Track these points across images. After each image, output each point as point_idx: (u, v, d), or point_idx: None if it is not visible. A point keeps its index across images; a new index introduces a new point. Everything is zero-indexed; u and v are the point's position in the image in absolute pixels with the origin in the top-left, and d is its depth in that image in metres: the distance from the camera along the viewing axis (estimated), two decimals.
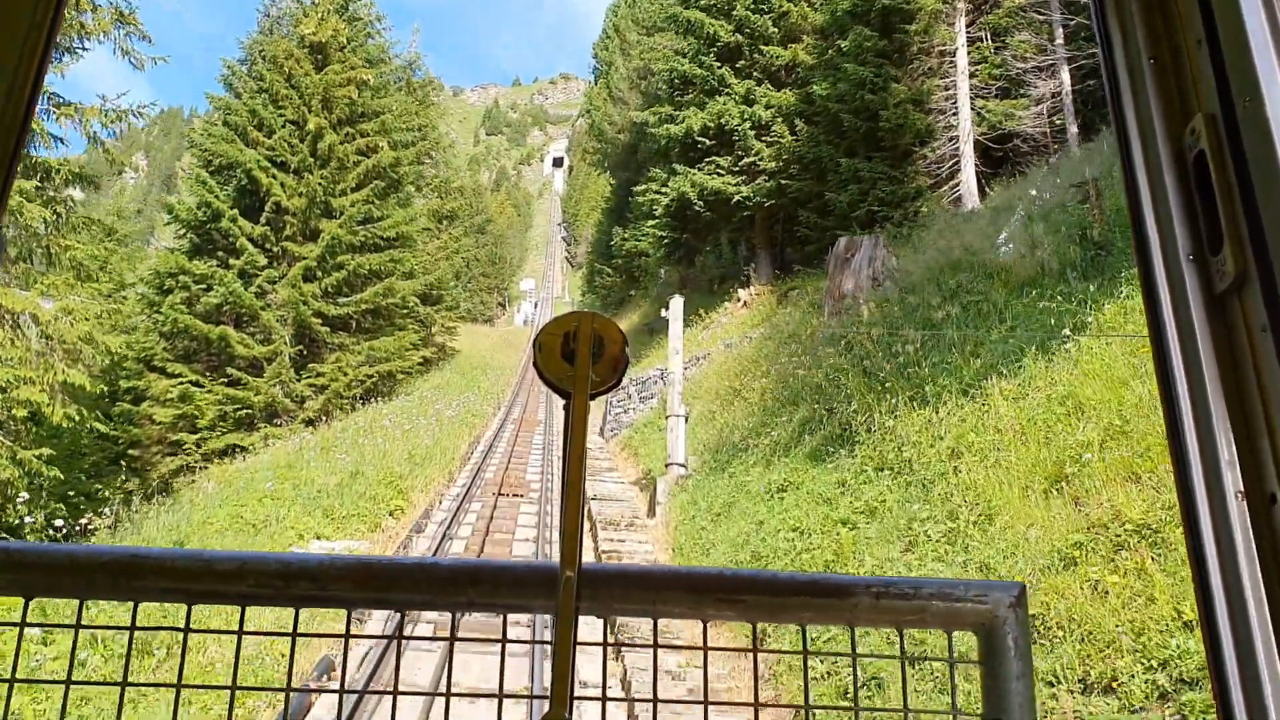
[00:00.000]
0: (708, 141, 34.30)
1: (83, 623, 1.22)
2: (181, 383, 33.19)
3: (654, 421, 24.19)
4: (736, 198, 33.14)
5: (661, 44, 52.50)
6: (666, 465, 17.47)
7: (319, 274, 35.96)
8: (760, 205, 33.40)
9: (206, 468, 31.31)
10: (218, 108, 36.36)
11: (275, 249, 35.89)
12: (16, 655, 1.46)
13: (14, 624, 1.22)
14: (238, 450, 32.59)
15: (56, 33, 1.20)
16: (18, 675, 1.21)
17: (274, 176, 35.56)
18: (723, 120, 33.59)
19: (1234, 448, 0.94)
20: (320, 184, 35.79)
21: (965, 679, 1.28)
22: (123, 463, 33.87)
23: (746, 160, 33.29)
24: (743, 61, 34.72)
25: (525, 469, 22.60)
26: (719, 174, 33.82)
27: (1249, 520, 0.92)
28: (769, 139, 33.11)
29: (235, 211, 34.74)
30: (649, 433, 23.63)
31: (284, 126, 36.40)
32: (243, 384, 33.72)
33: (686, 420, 17.79)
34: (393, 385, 39.07)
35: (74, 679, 1.20)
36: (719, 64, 34.65)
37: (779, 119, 33.00)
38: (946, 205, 27.26)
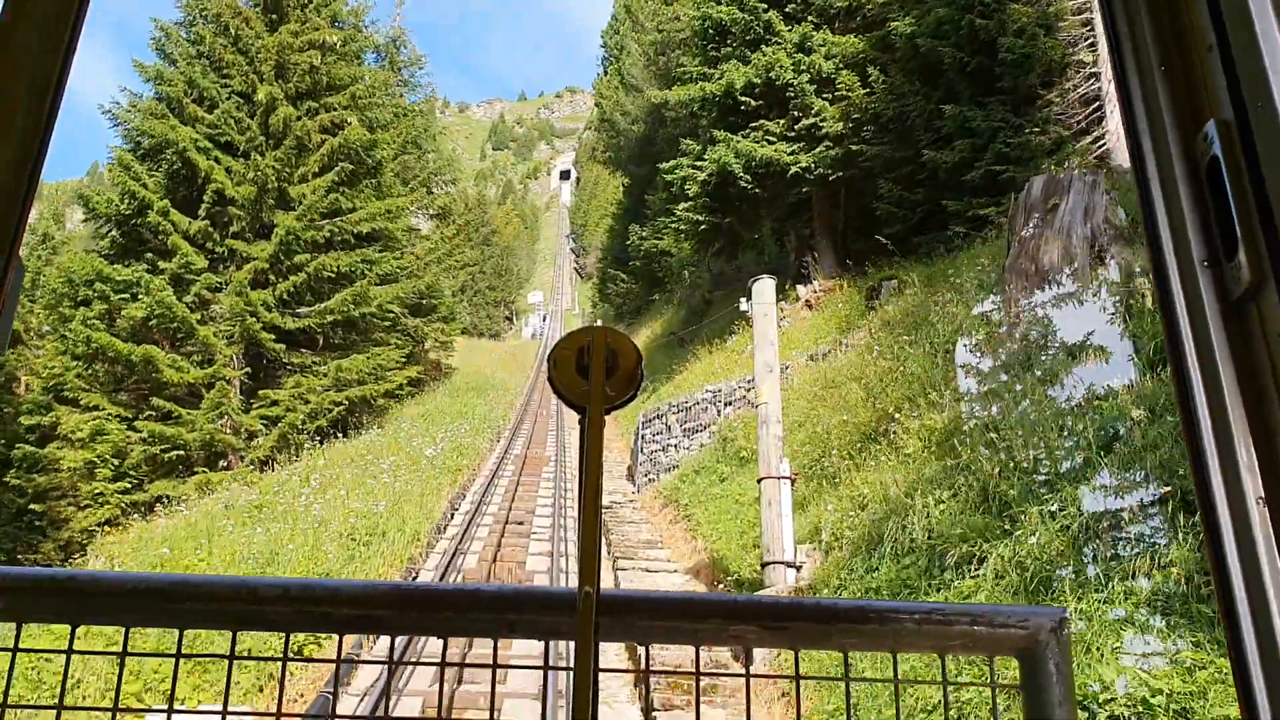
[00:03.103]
0: (753, 102, 27.22)
1: (129, 650, 1.27)
2: (97, 418, 26.17)
3: (711, 467, 17.04)
4: (794, 169, 26.04)
5: (683, 10, 45.72)
6: (764, 563, 10.34)
7: (272, 278, 28.91)
8: (824, 178, 26.30)
9: (127, 526, 24.46)
10: (147, 78, 29.37)
11: (219, 249, 28.89)
12: (64, 684, 1.37)
13: (62, 651, 1.26)
14: (168, 502, 25.67)
15: (77, 42, 1.16)
16: (65, 701, 1.23)
17: (215, 159, 28.58)
18: (773, 75, 26.51)
19: (1253, 453, 0.93)
20: (273, 168, 28.76)
21: (1005, 702, 1.63)
22: (25, 520, 26.89)
23: (805, 122, 26.22)
24: (793, 4, 27.67)
25: (527, 549, 15.33)
26: (769, 141, 26.72)
27: (1271, 526, 0.90)
28: (833, 95, 26.07)
29: (167, 203, 27.76)
30: (706, 484, 16.48)
31: (229, 99, 29.43)
32: (174, 418, 26.70)
33: (793, 482, 10.62)
34: (370, 412, 32.03)
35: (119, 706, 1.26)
36: (764, 6, 27.58)
37: (845, 69, 25.94)
38: (1089, 162, 20.21)
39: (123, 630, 1.24)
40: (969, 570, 7.47)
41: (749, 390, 18.90)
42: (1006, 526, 7.39)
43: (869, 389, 12.69)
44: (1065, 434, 7.85)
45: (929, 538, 8.40)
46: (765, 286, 11.24)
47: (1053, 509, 7.11)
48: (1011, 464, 8.03)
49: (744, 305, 11.40)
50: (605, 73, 68.98)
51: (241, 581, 1.22)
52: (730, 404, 19.11)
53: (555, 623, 1.24)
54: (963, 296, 12.86)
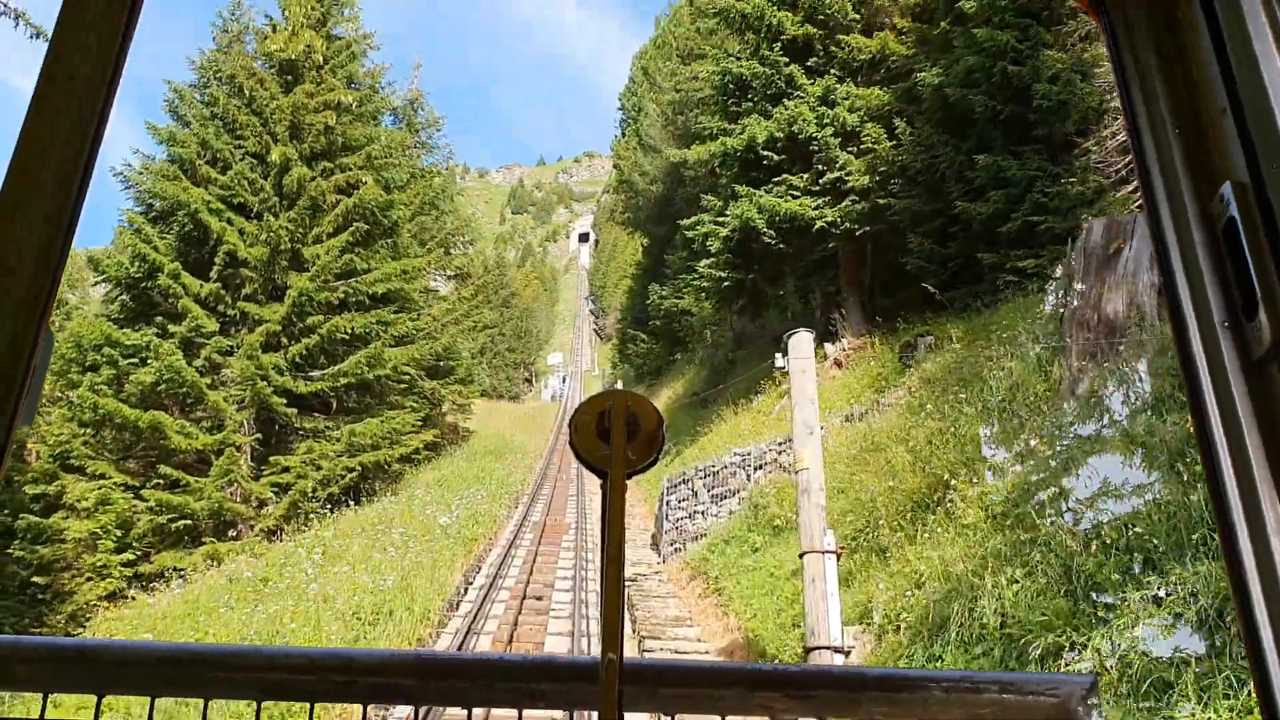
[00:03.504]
0: (775, 156, 26.53)
1: None
2: (102, 486, 25.34)
3: (742, 536, 15.95)
4: (819, 224, 25.24)
5: (702, 70, 45.43)
6: (807, 648, 9.26)
7: (284, 340, 28.20)
8: (850, 233, 25.47)
9: (130, 600, 23.52)
10: (160, 140, 28.98)
11: (231, 311, 28.24)
12: None
13: None
14: (174, 574, 24.77)
15: (109, 113, 1.17)
16: None
17: (228, 221, 28.06)
18: (795, 128, 25.84)
19: (1279, 511, 0.92)
20: (287, 229, 28.21)
21: None
22: (28, 593, 25.93)
23: (830, 176, 25.48)
24: (814, 59, 27.07)
25: (545, 628, 14.23)
26: (793, 195, 25.97)
27: None
28: (858, 148, 25.37)
29: (178, 265, 27.18)
30: (737, 555, 15.37)
31: (242, 160, 28.99)
32: (182, 486, 25.84)
33: (839, 557, 9.57)
34: (385, 478, 31.10)
35: None
36: (785, 60, 26.98)
37: (870, 121, 25.25)
38: (1132, 211, 19.31)
39: (149, 700, 1.25)
40: (1057, 665, 6.41)
41: (780, 453, 17.88)
42: (1101, 614, 6.34)
43: (916, 452, 11.65)
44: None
45: (1003, 623, 7.34)
46: (803, 340, 10.29)
47: (1158, 593, 6.07)
48: (1098, 538, 6.99)
49: (779, 361, 10.49)
50: (623, 134, 68.93)
51: (266, 650, 1.23)
52: (760, 468, 18.07)
53: (579, 692, 1.23)
54: (1016, 350, 11.86)
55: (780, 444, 17.86)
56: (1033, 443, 9.27)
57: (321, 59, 30.97)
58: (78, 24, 1.14)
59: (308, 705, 1.24)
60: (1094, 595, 6.64)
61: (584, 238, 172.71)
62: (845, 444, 15.43)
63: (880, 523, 10.88)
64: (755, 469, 18.11)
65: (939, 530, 9.47)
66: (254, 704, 1.24)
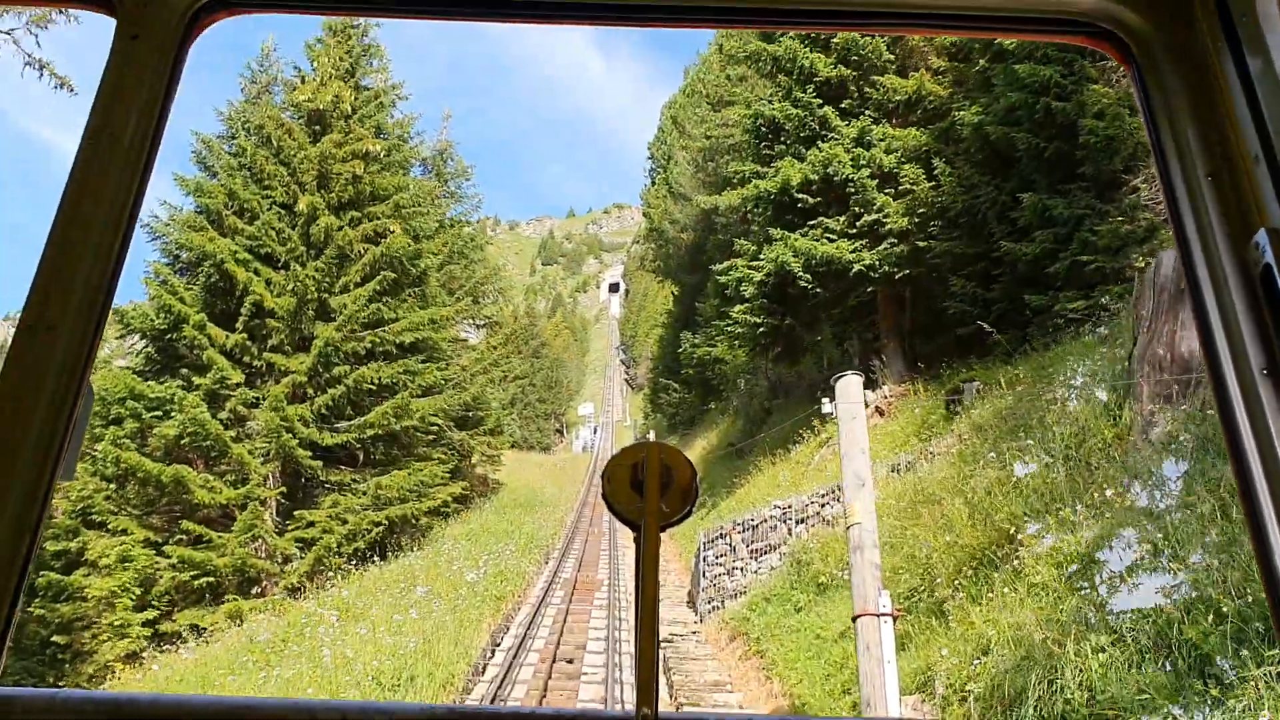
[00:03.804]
0: (810, 199, 25.93)
1: None
2: (124, 542, 24.79)
3: (784, 594, 15.05)
4: (857, 267, 24.53)
5: (732, 116, 45.08)
6: None
7: (310, 391, 27.72)
8: (889, 276, 24.73)
9: (150, 660, 22.85)
10: (187, 191, 28.79)
11: (257, 362, 27.82)
12: None
13: None
14: (195, 633, 24.13)
15: (151, 170, 1.20)
16: None
17: (255, 271, 27.74)
18: (830, 170, 25.25)
19: None
20: (314, 278, 27.84)
21: None
22: (48, 653, 25.31)
23: (867, 219, 24.80)
24: (848, 100, 26.54)
25: (577, 693, 13.34)
26: (829, 239, 25.30)
27: None
28: (896, 189, 24.72)
29: (203, 316, 26.83)
30: (779, 615, 14.47)
31: (270, 209, 28.74)
32: (205, 541, 25.25)
33: (895, 620, 8.72)
34: (413, 531, 30.40)
35: None
36: (819, 102, 26.46)
37: (908, 163, 24.61)
38: None
39: None
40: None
41: (823, 505, 17.02)
42: (1215, 692, 5.49)
43: (974, 504, 10.80)
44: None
45: (1090, 698, 6.49)
46: (851, 384, 9.52)
47: None
48: (1202, 604, 6.15)
49: (826, 407, 9.70)
50: (653, 183, 68.76)
51: (301, 705, 1.20)
52: (802, 521, 17.18)
53: None
54: (1078, 392, 11.03)
55: (823, 496, 17.00)
56: (1108, 492, 8.42)
57: (350, 109, 30.81)
58: (122, 86, 1.16)
59: None
60: (1203, 668, 5.79)
61: (614, 288, 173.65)
62: (894, 496, 14.57)
63: (938, 581, 10.01)
64: (797, 522, 17.22)
65: (1006, 590, 8.60)
66: None
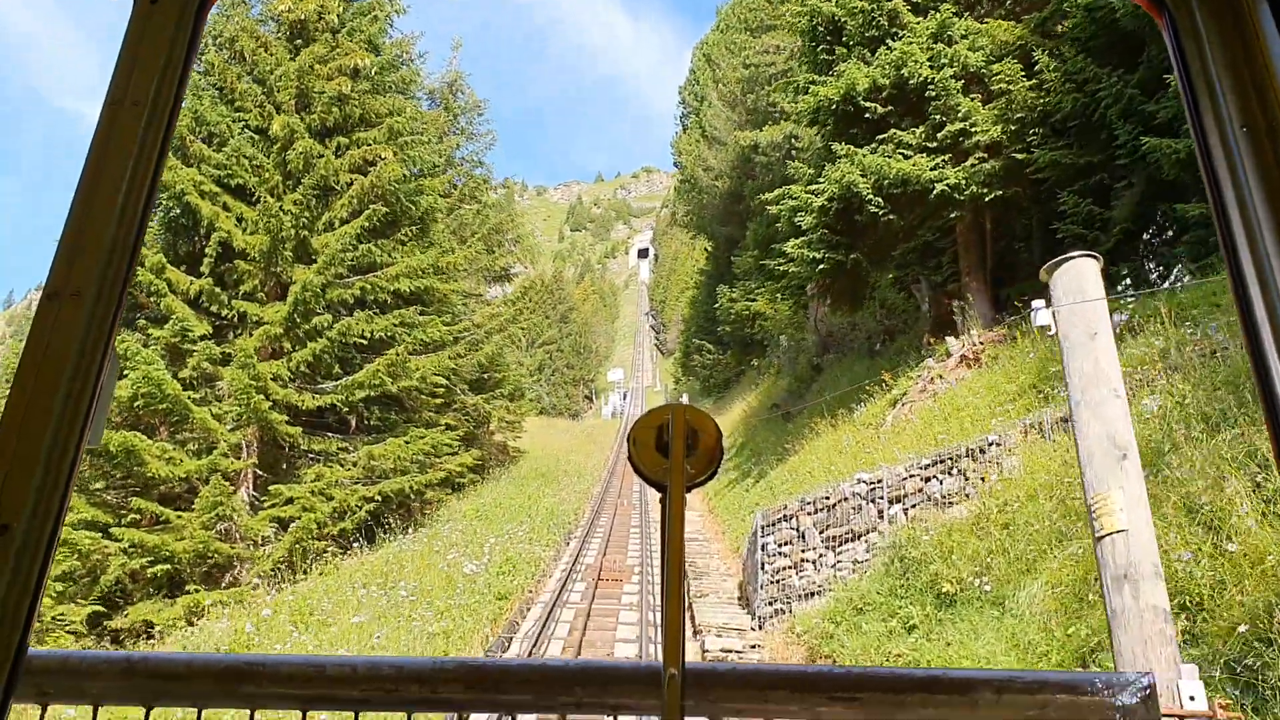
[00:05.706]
0: (880, 108, 21.38)
1: None
2: (64, 523, 20.79)
3: (882, 602, 10.72)
4: (939, 187, 20.00)
5: (774, 41, 40.38)
6: None
7: (287, 345, 23.58)
8: (977, 199, 20.21)
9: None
10: None
11: (226, 312, 23.70)
12: None
13: None
14: (150, 631, 20.28)
15: (173, 132, 1.18)
16: None
17: (223, 205, 23.58)
18: (904, 72, 20.67)
19: None
20: (292, 213, 23.62)
21: None
22: None
23: (951, 129, 20.22)
24: None
25: None
26: (904, 154, 20.77)
27: None
28: (986, 92, 20.18)
29: (162, 258, 22.74)
30: (878, 631, 10.17)
31: (241, 133, 24.51)
32: (163, 522, 21.30)
33: None
34: (417, 506, 26.39)
35: None
36: None
37: (1000, 59, 20.00)
38: None
39: (195, 711, 1.25)
40: None
41: (926, 480, 12.64)
42: None
43: (1259, 484, 6.47)
44: None
45: None
46: (1086, 271, 5.19)
47: None
48: None
49: (1041, 319, 5.31)
50: (684, 129, 64.05)
51: (310, 660, 1.23)
52: (898, 499, 12.81)
53: (635, 702, 1.21)
54: None
55: (926, 466, 12.65)
56: None
57: (337, 20, 26.47)
58: (141, 53, 1.14)
59: (351, 715, 1.22)
60: None
61: (643, 253, 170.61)
62: (1041, 468, 10.16)
63: (1240, 629, 5.65)
64: (891, 502, 12.85)
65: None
66: (300, 713, 1.25)
